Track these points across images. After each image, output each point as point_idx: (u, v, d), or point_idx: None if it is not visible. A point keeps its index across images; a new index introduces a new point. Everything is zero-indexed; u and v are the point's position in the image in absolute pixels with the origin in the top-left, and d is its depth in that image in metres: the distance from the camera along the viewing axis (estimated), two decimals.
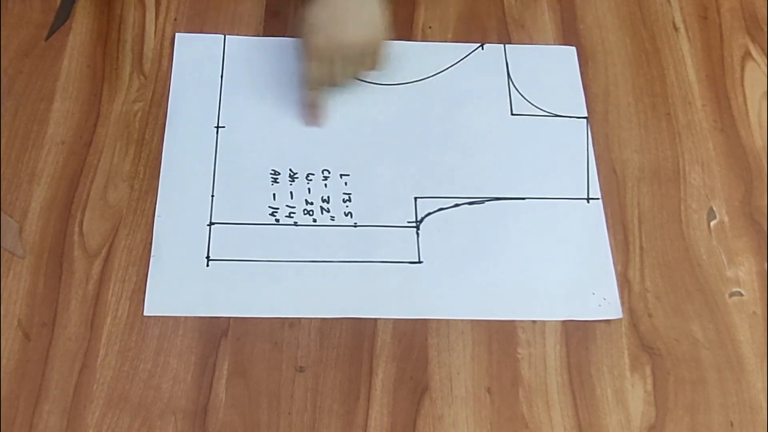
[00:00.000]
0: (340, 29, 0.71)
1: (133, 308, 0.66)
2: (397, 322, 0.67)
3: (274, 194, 0.73)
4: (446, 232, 0.72)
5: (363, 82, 0.79)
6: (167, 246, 0.69)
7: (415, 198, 0.73)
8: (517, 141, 0.77)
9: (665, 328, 0.68)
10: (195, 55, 0.79)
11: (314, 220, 0.72)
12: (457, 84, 0.79)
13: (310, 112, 0.75)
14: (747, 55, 0.84)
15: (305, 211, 0.72)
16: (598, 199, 0.74)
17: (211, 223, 0.71)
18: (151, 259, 0.69)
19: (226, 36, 0.80)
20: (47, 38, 0.69)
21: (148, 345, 0.65)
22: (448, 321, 0.68)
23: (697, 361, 0.67)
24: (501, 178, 0.75)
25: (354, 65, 0.74)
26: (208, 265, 0.69)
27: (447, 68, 0.81)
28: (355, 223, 0.72)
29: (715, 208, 0.74)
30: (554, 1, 0.86)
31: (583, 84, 0.80)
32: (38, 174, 0.72)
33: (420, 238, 0.71)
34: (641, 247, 0.72)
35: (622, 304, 0.69)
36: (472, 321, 0.68)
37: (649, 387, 0.66)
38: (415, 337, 0.67)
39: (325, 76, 0.73)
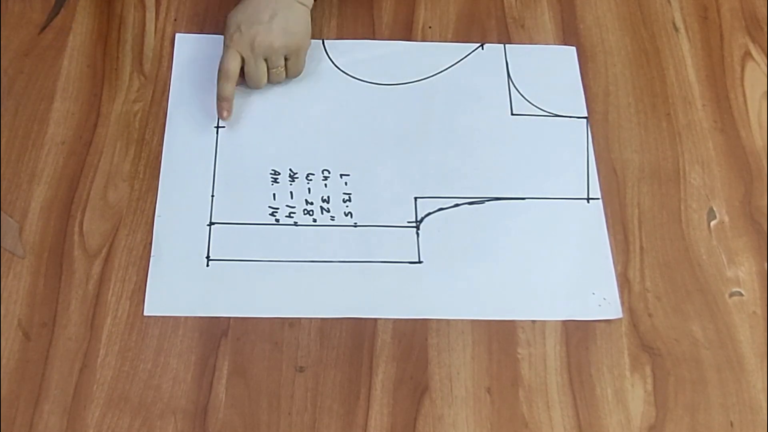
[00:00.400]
0: (263, 29, 0.72)
1: (133, 308, 0.66)
2: (397, 322, 0.67)
3: (274, 194, 0.73)
4: (446, 232, 0.72)
5: (360, 81, 0.79)
6: (167, 246, 0.69)
7: (415, 198, 0.73)
8: (517, 141, 0.77)
9: (665, 328, 0.68)
10: (195, 55, 0.79)
11: (314, 220, 0.72)
12: (457, 84, 0.79)
13: (220, 104, 0.75)
14: (747, 55, 0.84)
15: (305, 211, 0.72)
16: (598, 199, 0.74)
17: (211, 223, 0.71)
18: (151, 259, 0.69)
19: None
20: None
21: (148, 345, 0.65)
22: (448, 321, 0.68)
23: (697, 361, 0.67)
24: (501, 178, 0.75)
25: (272, 65, 0.75)
26: (208, 265, 0.69)
27: (447, 68, 0.81)
28: (355, 223, 0.72)
29: (715, 208, 0.74)
30: (554, 1, 0.86)
31: (583, 84, 0.80)
32: (38, 174, 0.72)
33: (420, 238, 0.71)
34: (641, 247, 0.72)
35: (622, 304, 0.69)
36: (472, 321, 0.68)
37: (649, 387, 0.66)
38: (415, 337, 0.67)
39: (236, 71, 0.74)
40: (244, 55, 0.73)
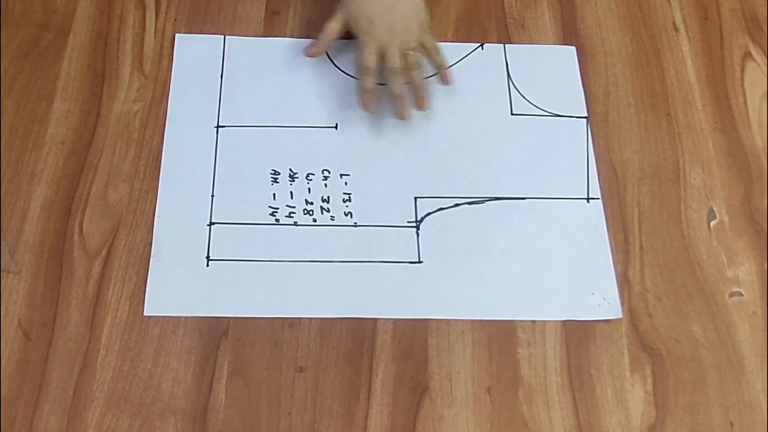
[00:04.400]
0: (392, 18, 0.74)
1: (133, 308, 0.66)
2: (397, 322, 0.67)
3: (274, 194, 0.73)
4: (446, 232, 0.72)
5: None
6: (167, 246, 0.69)
7: (415, 198, 0.73)
8: (517, 141, 0.77)
9: (665, 328, 0.68)
10: (195, 55, 0.79)
11: (314, 220, 0.72)
12: (457, 84, 0.79)
13: (366, 97, 0.76)
14: (747, 55, 0.84)
15: (305, 211, 0.72)
16: (598, 199, 0.74)
17: (211, 223, 0.71)
18: (151, 259, 0.69)
19: (226, 36, 0.80)
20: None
21: (148, 345, 0.65)
22: (448, 321, 0.68)
23: (697, 361, 0.67)
24: (501, 178, 0.75)
25: (408, 52, 0.75)
26: (208, 265, 0.69)
27: (447, 68, 0.81)
28: (355, 223, 0.72)
29: (715, 208, 0.74)
30: (554, 1, 0.86)
31: (583, 84, 0.80)
32: (38, 174, 0.72)
33: (420, 238, 0.71)
34: (641, 247, 0.72)
35: (622, 304, 0.69)
36: (472, 321, 0.68)
37: (649, 387, 0.66)
38: (415, 337, 0.67)
39: (376, 63, 0.75)
40: (378, 45, 0.74)
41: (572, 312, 0.69)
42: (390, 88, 0.75)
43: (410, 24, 0.75)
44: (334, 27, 0.78)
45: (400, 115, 0.76)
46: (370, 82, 0.75)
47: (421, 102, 0.77)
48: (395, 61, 0.75)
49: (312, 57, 0.79)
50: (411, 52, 0.75)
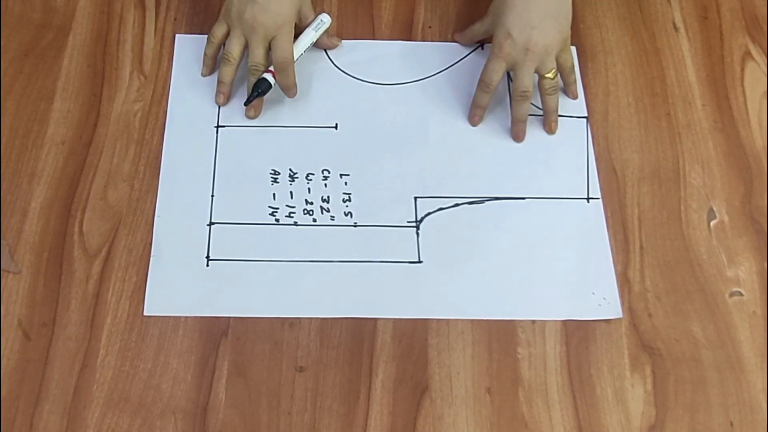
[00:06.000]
0: (533, 37, 0.71)
1: (133, 308, 0.66)
2: (397, 322, 0.67)
3: (274, 194, 0.73)
4: (446, 232, 0.72)
5: (360, 81, 0.79)
6: (167, 246, 0.69)
7: (415, 198, 0.73)
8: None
9: (665, 328, 0.68)
10: (195, 55, 0.79)
11: (314, 220, 0.72)
12: (457, 84, 0.79)
13: (475, 113, 0.76)
14: (747, 55, 0.84)
15: (305, 211, 0.72)
16: (598, 198, 0.74)
17: (211, 223, 0.71)
18: (151, 259, 0.69)
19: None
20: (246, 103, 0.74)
21: (148, 345, 0.65)
22: (448, 321, 0.68)
23: (697, 361, 0.67)
24: (501, 177, 0.75)
25: (546, 75, 0.74)
26: (208, 265, 0.69)
27: (447, 68, 0.81)
28: (355, 223, 0.72)
29: (715, 208, 0.74)
30: None
31: (583, 84, 0.80)
32: (38, 174, 0.72)
33: (420, 238, 0.71)
34: (641, 247, 0.72)
35: (622, 303, 0.69)
36: (472, 321, 0.68)
37: (649, 387, 0.66)
38: (415, 337, 0.67)
39: (499, 82, 0.74)
40: (509, 60, 0.73)
41: (572, 312, 0.68)
42: (513, 111, 0.75)
43: (551, 46, 0.72)
44: (479, 29, 0.78)
45: (518, 140, 0.75)
46: (485, 100, 0.74)
47: (552, 126, 0.76)
48: (525, 84, 0.73)
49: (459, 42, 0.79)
50: (549, 76, 0.73)
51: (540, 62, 0.73)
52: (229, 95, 0.77)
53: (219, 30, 0.76)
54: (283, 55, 0.73)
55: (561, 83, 0.77)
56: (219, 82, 0.76)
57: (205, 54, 0.77)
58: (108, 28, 0.81)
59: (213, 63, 0.78)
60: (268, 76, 0.74)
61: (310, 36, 0.78)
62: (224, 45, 0.76)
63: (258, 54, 0.74)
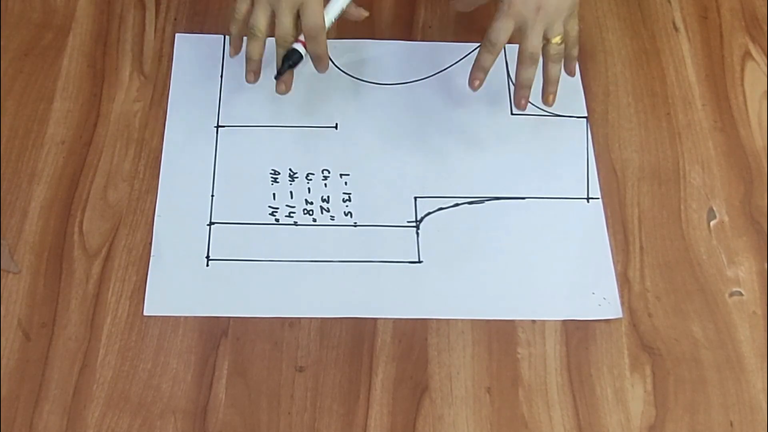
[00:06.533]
0: None
1: (133, 308, 0.66)
2: (397, 322, 0.67)
3: (274, 194, 0.73)
4: (446, 232, 0.72)
5: (360, 81, 0.79)
6: (167, 246, 0.69)
7: (415, 198, 0.73)
8: (517, 141, 0.77)
9: (665, 328, 0.68)
10: (195, 55, 0.79)
11: (314, 220, 0.72)
12: (457, 84, 0.79)
13: (476, 76, 0.71)
14: (747, 55, 0.84)
15: (305, 211, 0.72)
16: (597, 198, 0.74)
17: (211, 223, 0.71)
18: (151, 259, 0.69)
19: (226, 36, 0.80)
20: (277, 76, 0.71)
21: (148, 345, 0.65)
22: (448, 321, 0.68)
23: (697, 361, 0.67)
24: (501, 177, 0.75)
25: (552, 39, 0.69)
26: (208, 265, 0.69)
27: (447, 68, 0.81)
28: (355, 223, 0.72)
29: (715, 208, 0.74)
30: None
31: (583, 84, 0.80)
32: (38, 174, 0.72)
33: (420, 238, 0.71)
34: (641, 247, 0.72)
35: (622, 303, 0.69)
36: (472, 321, 0.68)
37: (649, 387, 0.66)
38: (415, 337, 0.67)
39: (505, 42, 0.68)
40: (515, 19, 0.67)
41: (572, 312, 0.68)
42: (519, 74, 0.70)
43: (562, 7, 0.67)
44: None
45: (520, 107, 0.71)
46: (489, 61, 0.69)
47: (549, 98, 0.71)
48: (534, 44, 0.67)
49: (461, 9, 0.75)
50: (555, 40, 0.68)
51: (549, 24, 0.68)
52: (259, 72, 0.73)
53: (242, 5, 0.70)
54: (315, 21, 0.68)
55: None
56: (248, 60, 0.71)
57: (230, 34, 0.72)
58: (108, 28, 0.81)
59: (240, 42, 0.72)
60: (299, 47, 0.70)
61: (341, 1, 0.72)
62: (248, 20, 0.70)
63: (286, 23, 0.68)
